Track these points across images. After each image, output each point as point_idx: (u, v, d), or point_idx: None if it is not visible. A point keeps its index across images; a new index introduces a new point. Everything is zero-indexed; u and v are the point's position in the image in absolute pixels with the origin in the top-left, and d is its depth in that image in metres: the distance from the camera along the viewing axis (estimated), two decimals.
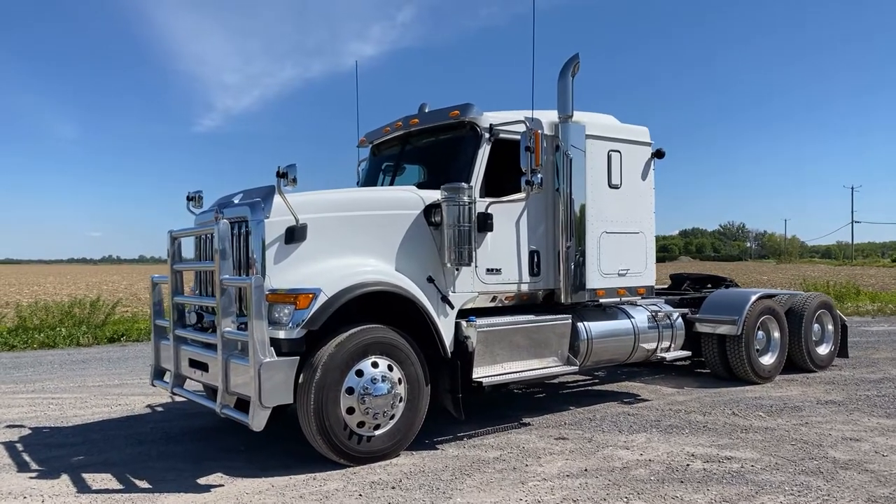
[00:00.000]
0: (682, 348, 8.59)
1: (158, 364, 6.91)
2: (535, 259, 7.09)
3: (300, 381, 5.41)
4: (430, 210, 6.38)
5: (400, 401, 5.82)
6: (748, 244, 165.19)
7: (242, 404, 5.55)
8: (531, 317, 6.98)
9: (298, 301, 5.41)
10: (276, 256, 5.74)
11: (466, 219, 6.25)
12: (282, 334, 5.39)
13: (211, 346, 5.83)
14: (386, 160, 8.00)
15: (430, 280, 6.33)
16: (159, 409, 7.94)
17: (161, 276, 6.91)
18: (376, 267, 6.05)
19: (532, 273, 7.06)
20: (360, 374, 5.62)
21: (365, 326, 5.70)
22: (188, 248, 6.89)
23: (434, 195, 6.43)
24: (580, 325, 7.34)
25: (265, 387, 5.15)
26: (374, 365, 5.70)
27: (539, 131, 6.43)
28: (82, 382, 9.87)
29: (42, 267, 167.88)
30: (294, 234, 5.76)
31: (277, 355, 5.27)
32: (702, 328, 9.06)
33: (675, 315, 8.49)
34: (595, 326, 7.52)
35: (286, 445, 6.20)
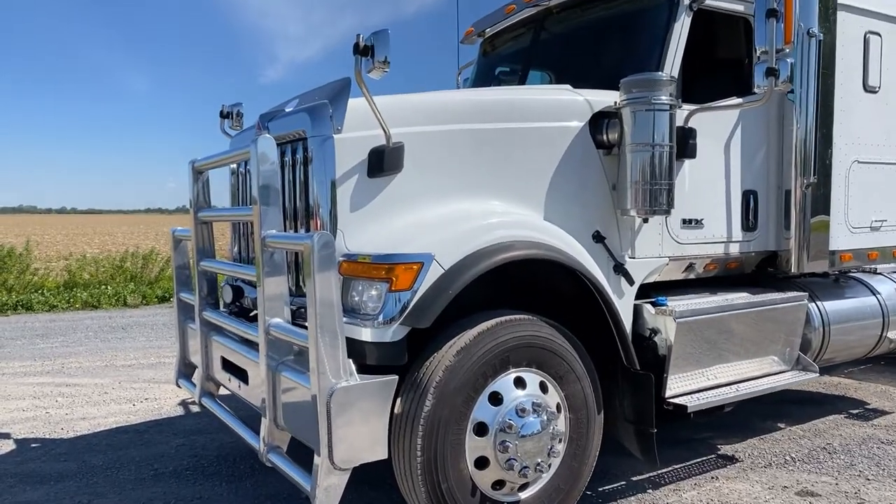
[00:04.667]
0: None
1: (185, 356, 4.74)
2: (751, 205, 4.51)
3: (396, 412, 3.11)
4: (601, 122, 3.87)
5: (560, 441, 3.46)
6: None
7: (301, 448, 3.29)
8: (746, 295, 4.45)
9: (395, 276, 3.05)
10: (352, 199, 3.39)
11: (665, 135, 3.72)
12: (367, 334, 3.07)
13: (252, 345, 3.60)
14: (506, 61, 5.47)
15: (598, 238, 3.87)
16: (194, 408, 5.84)
17: (184, 230, 4.67)
18: (516, 216, 3.63)
19: (746, 227, 4.49)
20: (496, 400, 3.27)
21: (503, 318, 3.32)
22: (221, 188, 4.64)
23: (605, 98, 3.92)
24: (810, 305, 4.77)
25: (340, 433, 2.85)
26: (520, 384, 3.35)
27: None
28: (111, 360, 7.93)
29: (120, 217, 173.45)
30: (383, 161, 3.37)
31: (359, 371, 2.97)
32: None
33: None
34: (831, 307, 4.92)
35: (374, 494, 3.96)
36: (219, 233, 4.40)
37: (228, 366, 3.96)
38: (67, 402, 6.13)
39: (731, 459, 4.54)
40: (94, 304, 12.47)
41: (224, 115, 4.90)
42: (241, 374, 3.76)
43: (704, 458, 4.56)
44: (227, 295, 4.15)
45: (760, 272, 4.78)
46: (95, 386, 6.71)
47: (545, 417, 3.34)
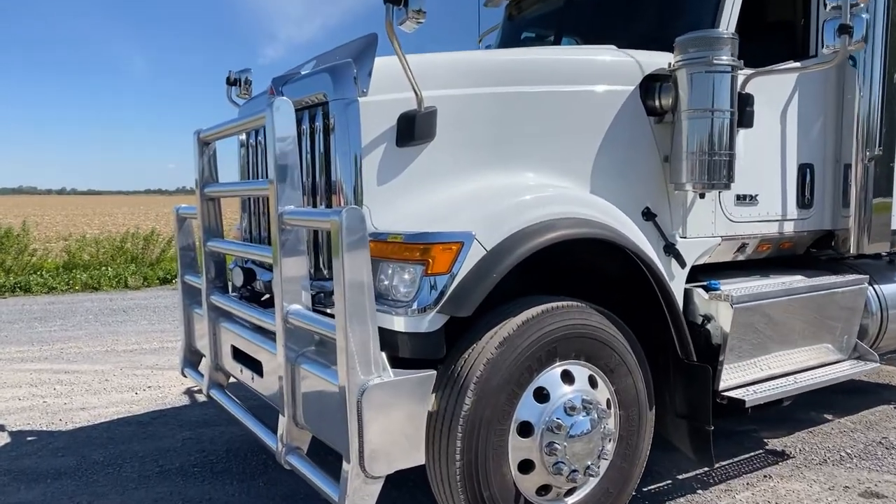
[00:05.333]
0: None
1: (191, 344, 4.39)
2: (807, 179, 4.12)
3: (430, 410, 2.75)
4: (653, 86, 3.48)
5: (610, 441, 3.11)
6: None
7: (324, 447, 2.94)
8: (801, 278, 4.09)
9: (432, 257, 2.68)
10: (379, 171, 3.01)
11: (726, 99, 3.34)
12: (399, 323, 2.71)
13: (266, 333, 3.25)
14: (534, 25, 5.07)
15: (648, 215, 3.50)
16: (200, 397, 5.50)
17: (189, 208, 4.29)
18: (562, 191, 3.25)
19: (801, 204, 4.11)
20: (542, 396, 2.92)
21: (550, 305, 2.95)
22: (229, 162, 4.27)
23: (657, 59, 3.53)
24: (868, 289, 4.40)
25: (373, 437, 2.50)
26: (567, 378, 2.99)
27: None
28: (112, 345, 7.59)
29: (120, 198, 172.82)
30: (414, 128, 2.98)
31: (392, 366, 2.61)
32: None
33: None
34: (888, 291, 4.55)
35: (396, 494, 3.62)
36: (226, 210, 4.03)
37: (240, 355, 3.61)
38: (66, 391, 5.80)
39: (781, 456, 4.20)
40: (94, 286, 12.12)
41: (231, 83, 4.50)
42: (255, 365, 3.41)
43: (753, 454, 4.22)
44: (237, 278, 3.78)
45: (801, 254, 4.41)
46: (95, 373, 6.37)
47: (596, 415, 2.99)
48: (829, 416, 4.90)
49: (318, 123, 3.16)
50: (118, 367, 6.60)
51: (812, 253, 4.46)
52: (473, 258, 2.71)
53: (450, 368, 2.78)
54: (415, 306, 2.69)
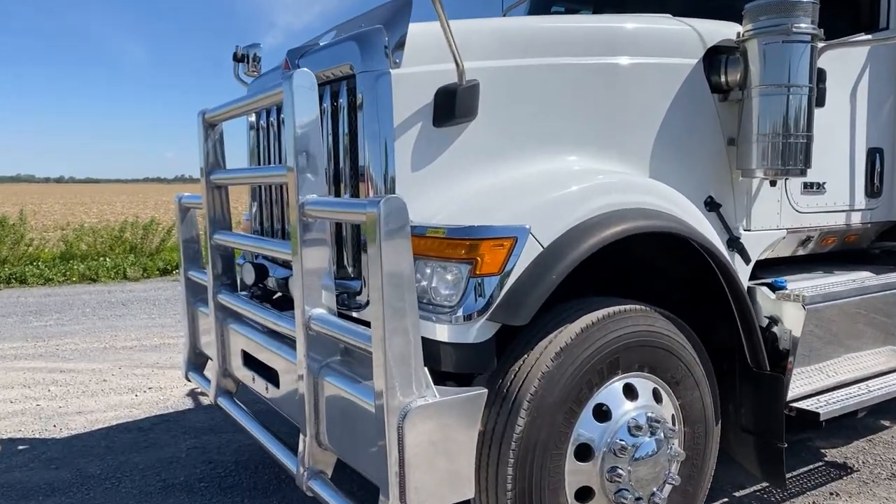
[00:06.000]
0: None
1: (196, 345, 4.01)
2: (876, 165, 3.73)
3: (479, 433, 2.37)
4: (718, 59, 3.08)
5: (675, 464, 2.74)
6: None
7: (348, 469, 2.56)
8: (868, 275, 3.71)
9: (480, 255, 2.29)
10: (414, 154, 2.62)
11: (805, 74, 2.94)
12: (441, 332, 2.33)
13: (283, 338, 2.87)
14: None
15: (712, 205, 3.11)
16: (206, 399, 5.13)
17: (193, 197, 3.89)
18: (623, 177, 2.85)
19: (869, 192, 3.72)
20: (602, 414, 2.54)
21: (613, 309, 2.56)
22: (237, 144, 3.88)
23: (722, 29, 3.13)
24: None
25: (416, 468, 2.11)
26: (629, 392, 2.61)
27: None
28: (111, 341, 7.21)
29: (118, 186, 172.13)
30: (454, 104, 2.58)
31: (435, 382, 2.22)
32: None
33: None
34: None
35: None
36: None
37: (252, 362, 3.23)
38: (61, 392, 5.43)
39: (844, 469, 3.83)
40: (91, 278, 11.74)
41: (238, 59, 4.09)
42: (270, 374, 3.03)
43: (813, 467, 3.85)
44: (247, 275, 3.39)
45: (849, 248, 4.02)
46: (93, 372, 6.00)
47: (662, 435, 2.61)
48: (887, 423, 4.52)
49: (342, 100, 2.76)
50: (117, 365, 6.23)
51: (870, 247, 4.07)
52: (528, 256, 2.32)
53: (498, 383, 2.40)
54: (460, 313, 2.31)
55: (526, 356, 2.42)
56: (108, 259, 12.48)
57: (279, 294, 3.51)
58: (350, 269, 2.85)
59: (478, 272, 2.28)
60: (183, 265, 3.97)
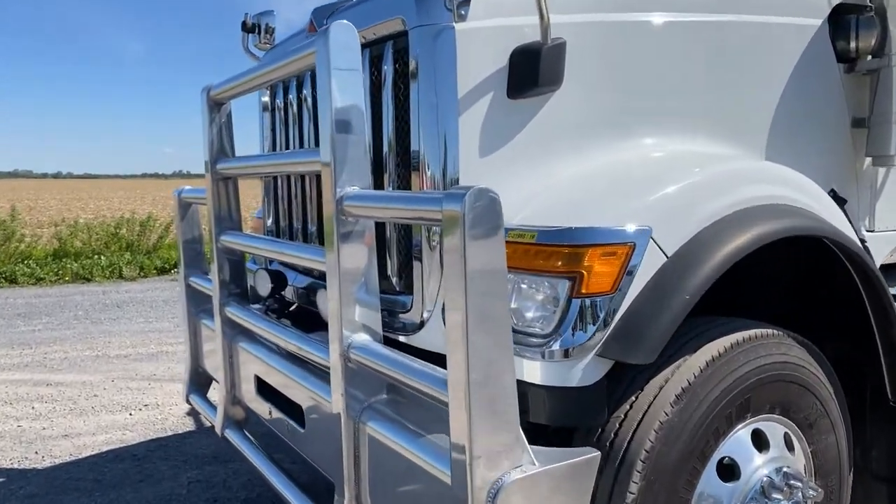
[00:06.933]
0: None
1: (198, 364, 3.43)
2: None
3: None
4: (846, 21, 2.50)
5: None
6: None
7: None
8: None
9: (586, 267, 1.70)
10: (483, 134, 2.03)
11: None
12: (533, 372, 1.74)
13: (310, 367, 2.29)
14: None
15: (837, 200, 2.52)
16: (208, 425, 4.54)
17: (195, 191, 3.29)
18: (749, 163, 2.28)
19: None
20: (727, 470, 1.96)
21: (742, 335, 1.97)
22: (247, 128, 3.28)
23: None
24: None
25: None
26: (757, 441, 2.03)
27: None
28: (104, 349, 6.61)
29: (116, 182, 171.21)
30: (537, 69, 1.97)
31: (530, 442, 1.63)
32: None
33: None
34: None
35: None
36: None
37: (268, 391, 2.65)
38: (46, 411, 4.84)
39: None
40: (85, 277, 11.13)
41: (248, 29, 3.47)
42: (292, 410, 2.45)
43: None
44: (262, 285, 2.82)
45: None
46: (83, 385, 5.41)
47: (801, 496, 2.03)
48: None
49: (387, 67, 2.17)
50: (109, 377, 5.64)
51: None
52: (649, 268, 1.74)
53: (600, 437, 1.82)
54: (556, 346, 1.72)
55: (635, 400, 1.84)
56: (102, 257, 11.89)
57: (295, 305, 2.94)
58: (395, 281, 2.26)
59: (583, 290, 1.70)
60: (183, 270, 3.38)
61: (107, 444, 4.22)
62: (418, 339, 2.13)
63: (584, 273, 1.69)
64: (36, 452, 4.11)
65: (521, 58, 2.00)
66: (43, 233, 15.59)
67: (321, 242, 2.77)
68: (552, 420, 1.74)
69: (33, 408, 4.90)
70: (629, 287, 1.71)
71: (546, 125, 2.06)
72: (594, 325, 1.70)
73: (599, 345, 1.69)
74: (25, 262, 11.55)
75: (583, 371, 1.71)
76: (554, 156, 2.06)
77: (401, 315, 2.22)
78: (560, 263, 1.72)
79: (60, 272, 11.16)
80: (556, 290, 1.73)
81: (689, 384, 1.84)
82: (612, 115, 2.15)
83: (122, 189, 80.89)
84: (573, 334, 1.70)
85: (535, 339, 1.76)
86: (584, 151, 2.08)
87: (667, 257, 1.76)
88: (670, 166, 2.04)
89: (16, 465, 3.93)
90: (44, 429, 4.49)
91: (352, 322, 1.95)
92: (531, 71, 1.98)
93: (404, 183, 2.17)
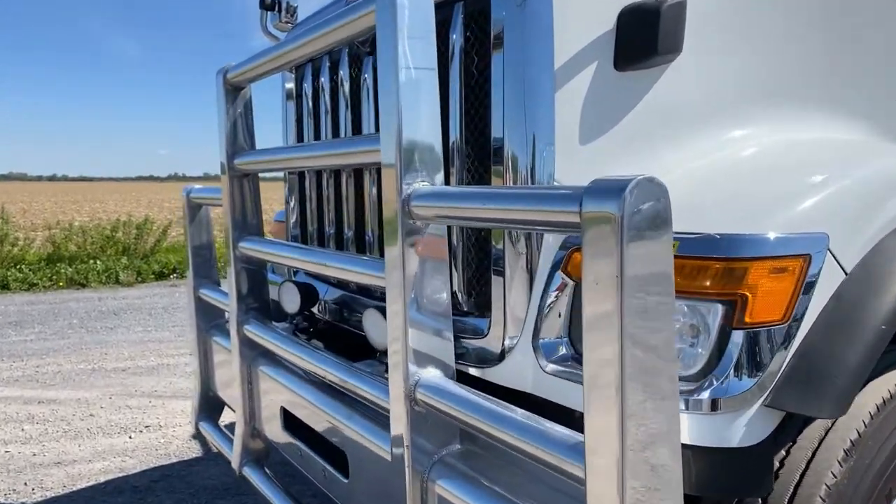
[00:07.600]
0: None
1: (209, 388, 3.00)
2: None
3: None
4: None
5: None
6: None
7: None
8: None
9: (749, 287, 1.27)
10: (584, 114, 1.60)
11: None
12: (691, 430, 1.30)
13: (355, 404, 1.87)
14: None
15: None
16: (216, 451, 4.10)
17: (207, 191, 2.86)
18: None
19: None
20: None
21: None
22: (270, 115, 2.87)
23: None
24: None
25: None
26: None
27: None
28: (100, 361, 6.17)
29: (111, 184, 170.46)
30: (655, 33, 1.56)
31: None
32: None
33: None
34: None
35: None
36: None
37: (298, 427, 2.23)
38: (38, 433, 4.39)
39: None
40: (80, 282, 10.68)
41: (267, 7, 3.07)
42: (330, 455, 2.03)
43: None
44: (289, 300, 2.39)
45: None
46: (78, 403, 4.96)
47: None
48: None
49: (456, 35, 1.75)
50: (107, 394, 5.19)
51: None
52: (827, 288, 1.32)
53: None
54: (705, 394, 1.29)
55: (787, 459, 1.42)
56: (98, 262, 11.42)
57: (323, 318, 2.53)
58: (462, 298, 1.84)
59: (746, 319, 1.27)
60: (192, 280, 2.96)
61: (104, 472, 3.78)
62: (496, 374, 1.71)
63: (749, 295, 1.27)
64: (25, 483, 3.67)
65: (632, 18, 1.58)
66: (37, 236, 15.11)
67: (358, 250, 2.37)
68: (701, 490, 1.32)
69: (23, 430, 4.46)
70: (804, 313, 1.29)
71: (663, 104, 1.64)
72: (760, 364, 1.27)
73: (768, 392, 1.27)
74: (18, 266, 11.08)
75: (746, 427, 1.28)
76: (672, 142, 1.64)
77: (471, 341, 1.80)
78: (710, 283, 1.30)
79: (54, 277, 10.70)
80: (703, 319, 1.31)
81: (860, 436, 1.43)
82: (743, 92, 1.73)
83: (118, 192, 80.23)
84: (731, 377, 1.28)
85: (695, 380, 1.33)
86: (710, 137, 1.66)
87: (846, 273, 1.34)
88: (828, 157, 1.63)
89: (1, 500, 3.49)
90: (34, 455, 4.05)
91: (419, 354, 1.53)
92: (646, 35, 1.56)
93: (476, 178, 1.75)
